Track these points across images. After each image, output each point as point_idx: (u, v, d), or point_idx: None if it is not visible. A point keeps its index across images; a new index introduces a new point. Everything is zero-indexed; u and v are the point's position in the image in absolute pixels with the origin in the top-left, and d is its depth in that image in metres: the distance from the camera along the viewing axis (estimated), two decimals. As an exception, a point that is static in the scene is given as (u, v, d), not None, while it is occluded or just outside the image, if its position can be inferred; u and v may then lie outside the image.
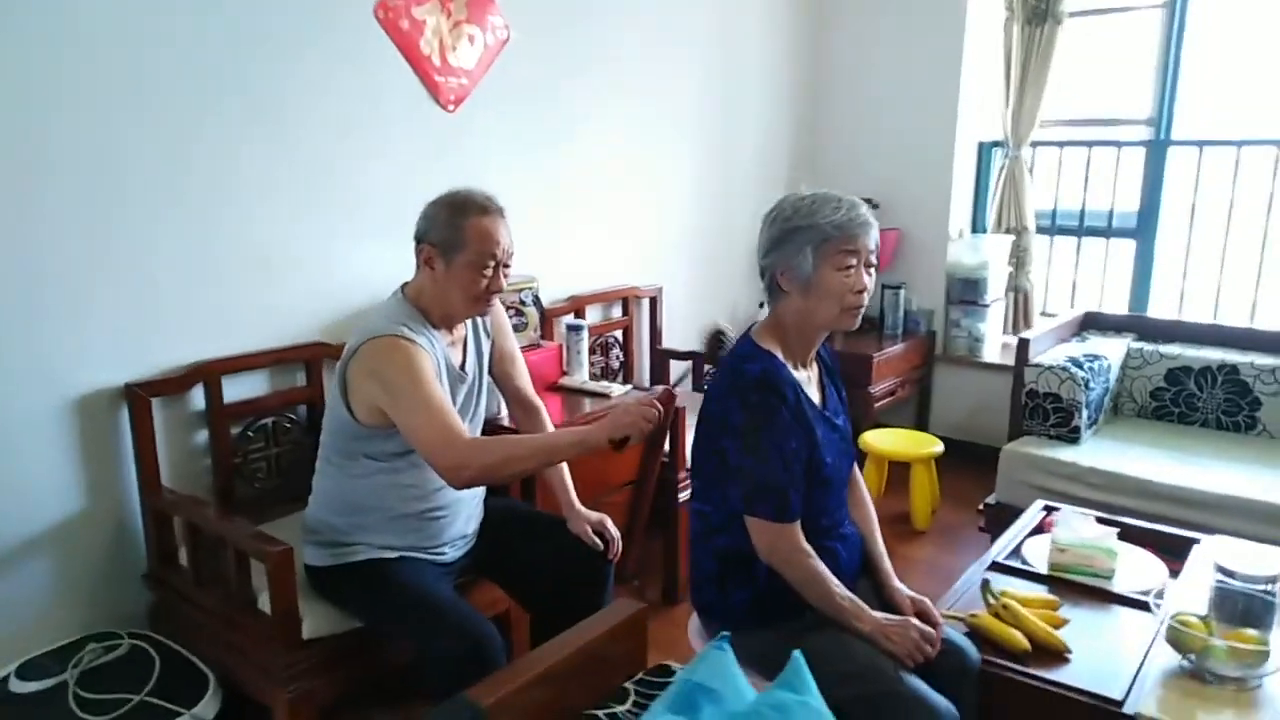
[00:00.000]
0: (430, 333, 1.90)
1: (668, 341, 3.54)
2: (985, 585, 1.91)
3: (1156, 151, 3.95)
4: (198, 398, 2.21)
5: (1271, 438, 3.17)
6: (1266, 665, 1.63)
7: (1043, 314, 4.31)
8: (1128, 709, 1.58)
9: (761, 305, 4.03)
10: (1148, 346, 3.42)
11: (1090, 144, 4.16)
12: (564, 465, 2.16)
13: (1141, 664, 1.71)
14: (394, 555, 1.89)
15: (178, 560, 2.12)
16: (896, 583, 1.77)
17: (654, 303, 3.48)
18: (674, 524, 2.79)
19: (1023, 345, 3.23)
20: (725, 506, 1.67)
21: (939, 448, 3.50)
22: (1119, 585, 2.04)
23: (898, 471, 3.59)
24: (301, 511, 2.28)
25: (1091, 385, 3.13)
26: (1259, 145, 3.74)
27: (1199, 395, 3.30)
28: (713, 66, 3.70)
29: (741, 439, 1.59)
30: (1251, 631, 1.67)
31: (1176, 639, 1.68)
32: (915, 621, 1.62)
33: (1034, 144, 4.12)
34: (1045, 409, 3.13)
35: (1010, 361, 4.08)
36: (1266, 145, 3.72)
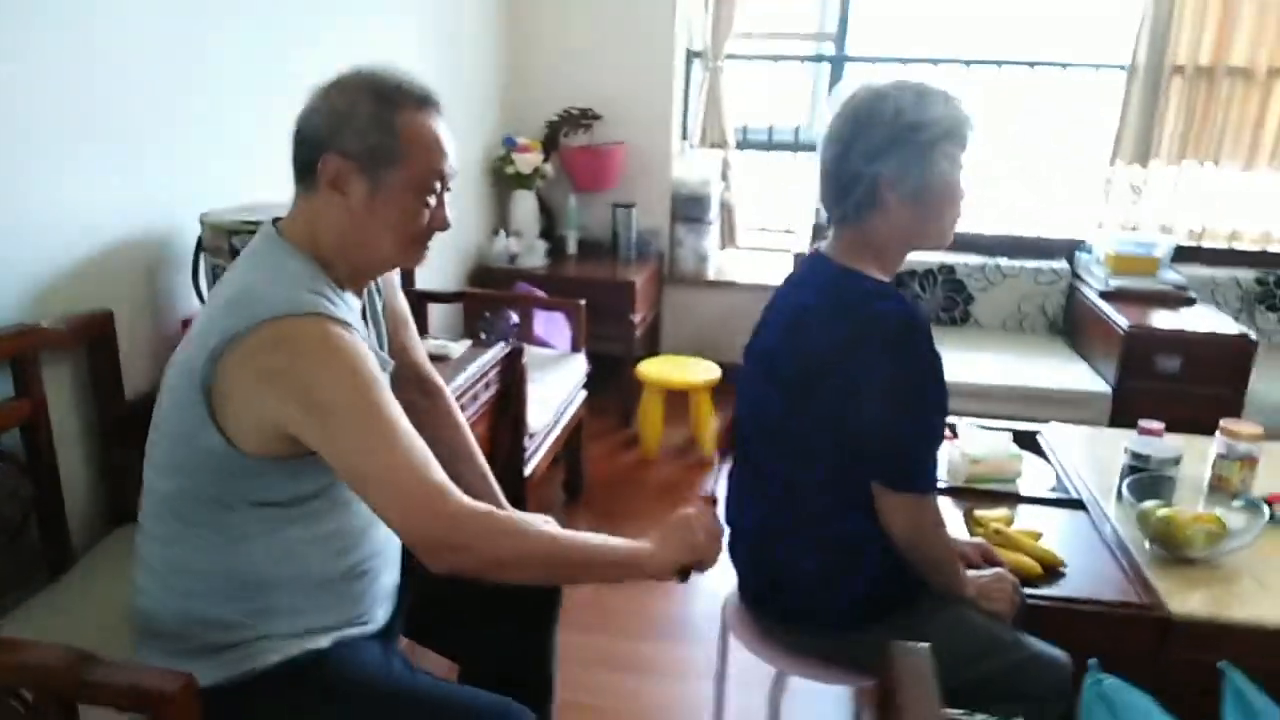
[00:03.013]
0: (346, 301, 1.24)
1: (422, 282, 2.93)
2: (969, 514, 1.82)
3: (835, 68, 4.17)
4: None
5: (982, 327, 3.57)
6: (1228, 542, 1.75)
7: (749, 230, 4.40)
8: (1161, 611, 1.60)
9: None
10: (877, 253, 3.63)
11: (776, 58, 4.28)
12: (479, 453, 1.61)
13: (1122, 562, 1.75)
14: (326, 641, 1.25)
15: None
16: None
17: (408, 237, 2.83)
18: (522, 500, 2.32)
19: (798, 261, 3.22)
20: (838, 487, 1.32)
21: (717, 373, 3.39)
22: (1025, 488, 2.09)
23: (672, 401, 3.40)
24: (43, 595, 1.48)
25: (858, 294, 3.24)
26: (922, 63, 4.12)
27: (923, 295, 3.60)
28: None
29: (893, 399, 1.25)
30: (1206, 512, 1.78)
31: (1166, 532, 1.73)
32: (1005, 573, 1.46)
33: (727, 57, 4.11)
34: (823, 321, 3.17)
35: (732, 279, 4.14)
36: (925, 63, 4.12)
